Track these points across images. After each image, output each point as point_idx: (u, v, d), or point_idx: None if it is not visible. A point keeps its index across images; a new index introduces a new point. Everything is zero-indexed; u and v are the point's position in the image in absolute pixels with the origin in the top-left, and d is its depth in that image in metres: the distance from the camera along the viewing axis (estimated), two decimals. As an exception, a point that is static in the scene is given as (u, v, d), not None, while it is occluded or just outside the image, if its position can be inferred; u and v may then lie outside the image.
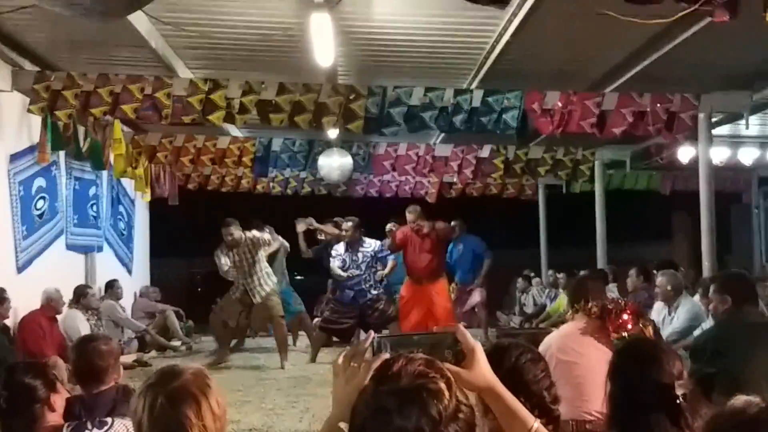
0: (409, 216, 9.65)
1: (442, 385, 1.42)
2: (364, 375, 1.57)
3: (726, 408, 1.16)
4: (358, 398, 1.46)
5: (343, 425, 1.51)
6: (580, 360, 4.22)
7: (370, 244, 10.02)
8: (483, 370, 1.69)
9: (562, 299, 12.03)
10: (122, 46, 7.61)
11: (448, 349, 1.70)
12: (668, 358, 2.64)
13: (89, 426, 3.12)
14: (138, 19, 6.62)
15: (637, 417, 2.54)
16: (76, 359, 3.53)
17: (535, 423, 1.71)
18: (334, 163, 10.64)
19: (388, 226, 10.40)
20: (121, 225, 12.04)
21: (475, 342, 1.72)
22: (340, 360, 1.71)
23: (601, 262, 11.51)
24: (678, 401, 2.51)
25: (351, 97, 7.66)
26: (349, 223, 9.98)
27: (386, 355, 1.58)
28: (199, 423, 2.14)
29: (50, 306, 8.27)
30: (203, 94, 7.58)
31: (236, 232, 9.35)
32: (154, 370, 2.58)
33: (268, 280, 9.59)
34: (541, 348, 4.39)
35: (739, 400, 1.16)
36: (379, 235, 10.36)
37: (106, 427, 3.12)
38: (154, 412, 2.13)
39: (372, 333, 1.73)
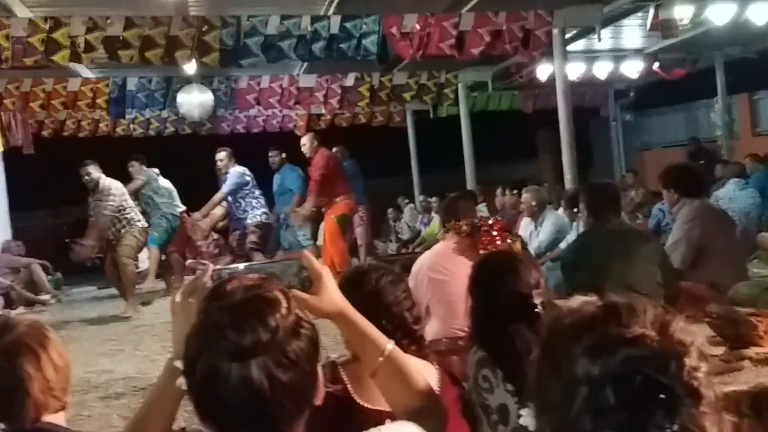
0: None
1: (278, 294, 1.36)
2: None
3: (563, 309, 1.14)
4: (191, 328, 1.37)
5: (178, 363, 1.41)
6: (451, 278, 4.27)
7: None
8: (332, 295, 1.62)
9: (436, 223, 12.22)
10: (-51, -15, 7.05)
11: (294, 276, 1.64)
12: (525, 268, 2.66)
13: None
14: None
15: (497, 328, 2.56)
16: None
17: (389, 345, 1.67)
18: (194, 100, 10.32)
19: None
20: (-27, 179, 11.35)
21: (321, 266, 1.66)
22: (178, 297, 1.62)
23: (470, 184, 11.73)
24: (536, 310, 2.54)
25: (204, 29, 7.39)
26: (222, 153, 10.00)
27: None
28: (39, 375, 2.02)
29: None
30: (44, 33, 7.16)
31: (94, 172, 9.01)
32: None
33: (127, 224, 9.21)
34: (414, 268, 4.43)
35: (576, 300, 1.14)
36: (255, 171, 10.20)
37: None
38: None
39: (210, 265, 1.64)
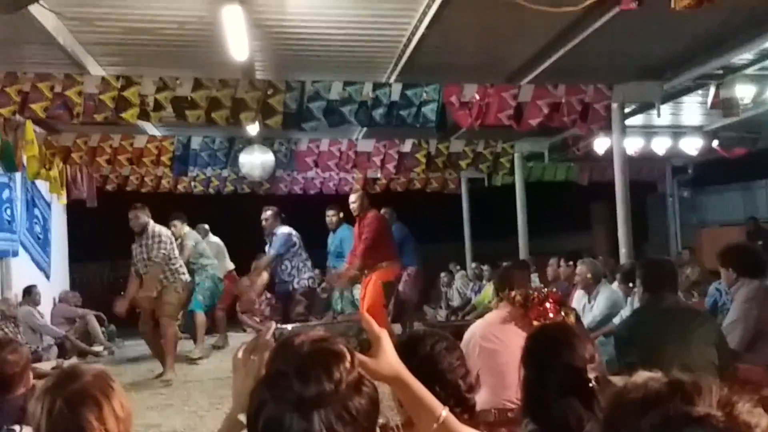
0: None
1: (343, 348, 1.39)
2: (262, 367, 1.53)
3: (627, 384, 1.15)
4: (254, 388, 1.40)
5: (242, 416, 1.44)
6: (503, 348, 4.24)
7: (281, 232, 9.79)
8: (389, 358, 1.65)
9: (487, 291, 12.16)
10: (30, 44, 7.36)
11: (353, 337, 1.67)
12: (580, 342, 2.64)
13: (-5, 434, 3.01)
14: (45, 16, 6.42)
15: (550, 401, 2.54)
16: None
17: (444, 411, 1.68)
18: (255, 161, 10.52)
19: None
20: (38, 229, 11.67)
21: (380, 330, 1.69)
22: (240, 353, 1.66)
23: (523, 254, 11.67)
24: (590, 384, 2.52)
25: (269, 92, 7.59)
26: (268, 212, 9.95)
27: None
28: (100, 427, 2.05)
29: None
30: (116, 91, 7.42)
31: (143, 216, 8.68)
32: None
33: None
34: (466, 336, 4.41)
35: (641, 376, 1.14)
36: (309, 231, 10.24)
37: (13, 435, 3.01)
38: (52, 415, 2.04)
39: (273, 324, 1.68)
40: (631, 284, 7.44)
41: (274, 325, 1.67)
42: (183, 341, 11.22)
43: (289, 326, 1.70)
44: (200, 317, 9.94)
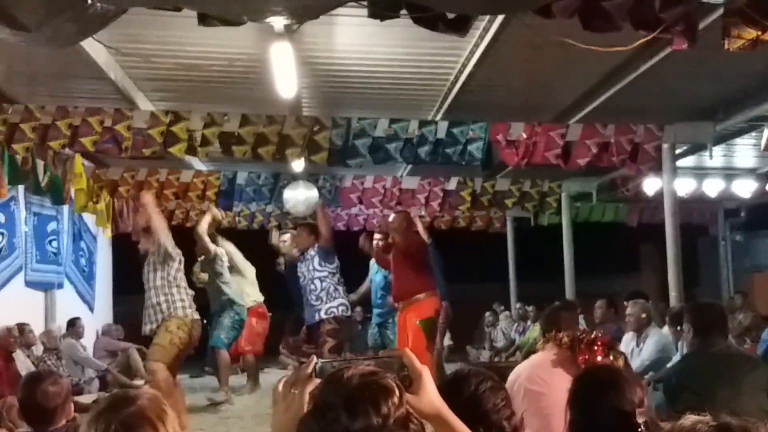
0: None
1: (392, 384, 1.36)
2: (302, 401, 1.49)
3: (674, 426, 1.10)
4: (301, 419, 1.39)
5: None
6: (548, 391, 4.13)
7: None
8: (431, 395, 1.60)
9: (532, 332, 11.96)
10: (81, 78, 7.49)
11: (395, 373, 1.61)
12: (629, 385, 2.56)
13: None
14: (96, 51, 6.53)
15: (598, 446, 2.46)
16: (23, 399, 3.43)
17: (487, 452, 1.61)
18: (300, 196, 10.54)
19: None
20: (83, 261, 11.81)
21: (422, 367, 1.63)
22: (280, 386, 1.61)
23: (569, 295, 11.46)
24: (639, 430, 2.43)
25: (315, 129, 7.61)
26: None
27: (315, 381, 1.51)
28: None
29: (2, 344, 8.06)
30: (164, 126, 7.49)
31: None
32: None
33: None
34: (511, 377, 4.31)
35: (688, 419, 1.10)
36: (350, 269, 9.85)
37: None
38: None
39: (314, 357, 1.63)
40: (679, 327, 7.27)
41: (314, 358, 1.62)
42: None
43: (330, 361, 1.64)
44: (223, 356, 9.29)
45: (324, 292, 8.57)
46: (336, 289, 8.64)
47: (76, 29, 3.98)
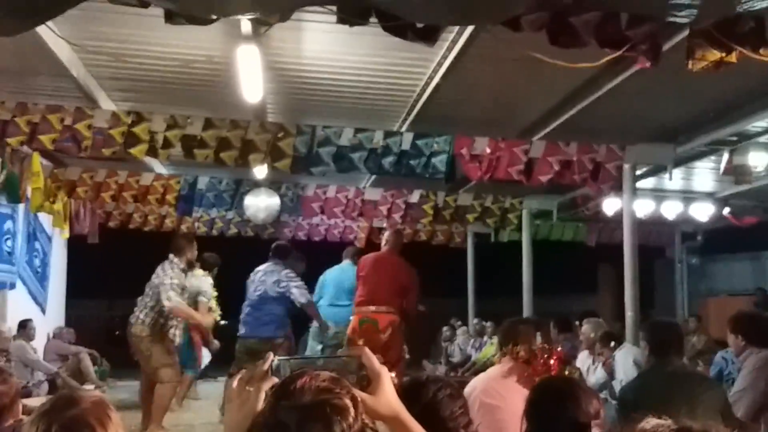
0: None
1: (348, 402, 1.33)
2: (257, 399, 1.45)
3: (636, 429, 1.09)
4: (256, 417, 1.36)
5: None
6: (503, 403, 4.15)
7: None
8: (389, 396, 1.56)
9: (489, 348, 12.00)
10: (43, 75, 7.35)
11: (352, 373, 1.57)
12: (586, 397, 2.56)
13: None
14: (60, 48, 6.42)
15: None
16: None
17: (443, 456, 1.59)
18: (261, 203, 10.47)
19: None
20: (37, 262, 11.59)
21: (381, 367, 1.60)
22: (235, 384, 1.57)
23: (527, 313, 11.49)
24: (594, 441, 2.43)
25: (279, 135, 7.55)
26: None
27: (275, 380, 1.48)
28: None
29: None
30: (125, 126, 7.40)
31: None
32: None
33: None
34: (467, 390, 4.30)
35: (650, 422, 1.10)
36: (310, 278, 9.66)
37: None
38: None
39: (270, 355, 1.59)
40: (612, 343, 7.38)
41: (271, 355, 1.58)
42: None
43: (287, 359, 1.60)
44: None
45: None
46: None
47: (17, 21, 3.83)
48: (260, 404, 1.45)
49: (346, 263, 9.51)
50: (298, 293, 8.48)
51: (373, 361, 1.60)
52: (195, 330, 9.46)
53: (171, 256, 7.89)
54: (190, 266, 8.34)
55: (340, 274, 9.41)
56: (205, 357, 10.09)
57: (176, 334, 7.90)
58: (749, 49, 3.82)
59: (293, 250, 9.26)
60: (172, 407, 8.51)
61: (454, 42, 5.97)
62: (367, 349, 1.68)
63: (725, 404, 4.40)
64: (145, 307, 7.71)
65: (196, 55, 6.64)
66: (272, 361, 1.57)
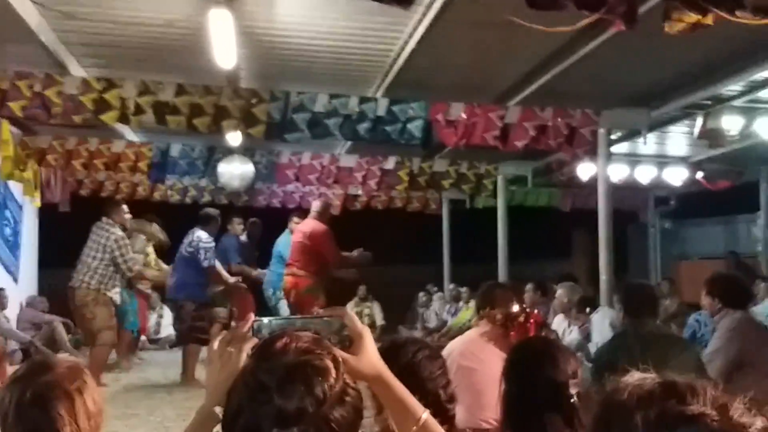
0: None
1: (329, 363, 1.32)
2: (238, 360, 1.45)
3: (620, 383, 1.10)
4: (236, 378, 1.36)
5: (218, 409, 1.41)
6: (481, 366, 4.18)
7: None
8: (371, 356, 1.56)
9: (464, 314, 12.07)
10: (11, 41, 7.18)
11: (335, 334, 1.57)
12: (563, 357, 2.58)
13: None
14: (28, 12, 6.29)
15: (531, 416, 2.47)
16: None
17: (424, 414, 1.60)
18: (234, 171, 10.38)
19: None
20: (8, 231, 11.44)
21: (363, 327, 1.60)
22: (216, 345, 1.56)
23: (502, 278, 11.53)
24: (572, 400, 2.45)
25: (253, 101, 7.48)
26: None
27: (256, 340, 1.47)
28: (70, 420, 1.94)
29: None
30: (96, 93, 7.29)
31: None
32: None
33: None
34: (444, 352, 4.30)
35: (633, 376, 1.11)
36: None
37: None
38: (21, 406, 1.92)
39: (251, 315, 1.58)
40: (588, 309, 7.48)
41: (252, 316, 1.57)
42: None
43: (267, 320, 1.59)
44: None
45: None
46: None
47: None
48: (242, 365, 1.44)
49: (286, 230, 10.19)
50: (202, 255, 8.96)
51: (355, 321, 1.60)
52: (141, 296, 10.61)
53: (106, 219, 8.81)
54: (123, 230, 9.02)
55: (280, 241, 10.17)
56: None
57: (116, 296, 8.77)
58: (725, 11, 3.80)
59: (216, 217, 9.56)
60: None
61: (429, 6, 5.92)
62: (348, 310, 1.67)
63: (699, 365, 4.46)
64: (88, 269, 8.51)
65: (167, 19, 6.54)
66: (254, 321, 1.56)
